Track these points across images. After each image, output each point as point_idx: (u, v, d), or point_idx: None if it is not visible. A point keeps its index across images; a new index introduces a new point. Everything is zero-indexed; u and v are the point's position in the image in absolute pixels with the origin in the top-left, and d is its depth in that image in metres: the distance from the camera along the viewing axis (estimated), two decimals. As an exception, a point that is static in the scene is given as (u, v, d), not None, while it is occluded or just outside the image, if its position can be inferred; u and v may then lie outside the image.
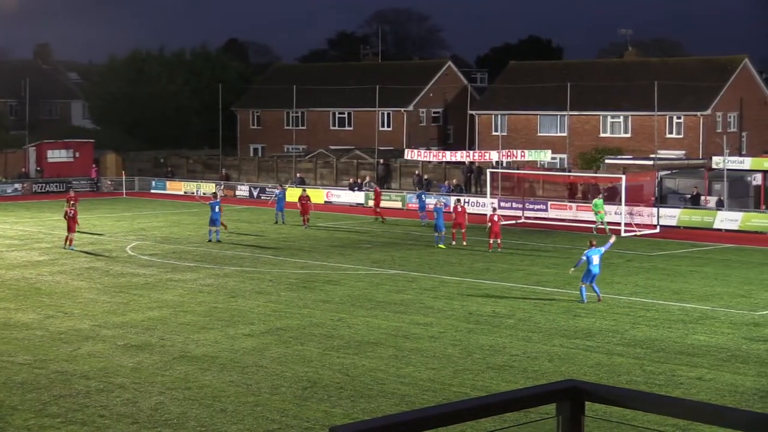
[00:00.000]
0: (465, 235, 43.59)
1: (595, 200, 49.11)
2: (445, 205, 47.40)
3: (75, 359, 23.16)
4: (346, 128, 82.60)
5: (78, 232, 43.10)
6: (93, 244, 43.35)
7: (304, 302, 30.27)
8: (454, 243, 43.18)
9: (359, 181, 66.69)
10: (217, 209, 44.64)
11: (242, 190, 69.96)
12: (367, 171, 69.02)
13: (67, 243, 41.69)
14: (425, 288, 32.82)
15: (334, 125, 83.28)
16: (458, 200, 47.86)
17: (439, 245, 42.51)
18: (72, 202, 46.71)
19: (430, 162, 66.10)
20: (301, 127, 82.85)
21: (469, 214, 55.60)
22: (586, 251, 30.30)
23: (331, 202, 63.87)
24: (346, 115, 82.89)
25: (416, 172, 65.92)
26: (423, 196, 54.74)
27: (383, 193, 63.31)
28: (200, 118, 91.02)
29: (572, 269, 31.27)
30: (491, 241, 41.84)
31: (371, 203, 60.80)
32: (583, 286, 30.06)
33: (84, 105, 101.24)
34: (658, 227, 49.64)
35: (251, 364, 22.65)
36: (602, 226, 47.17)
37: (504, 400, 5.45)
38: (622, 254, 40.81)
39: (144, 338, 25.32)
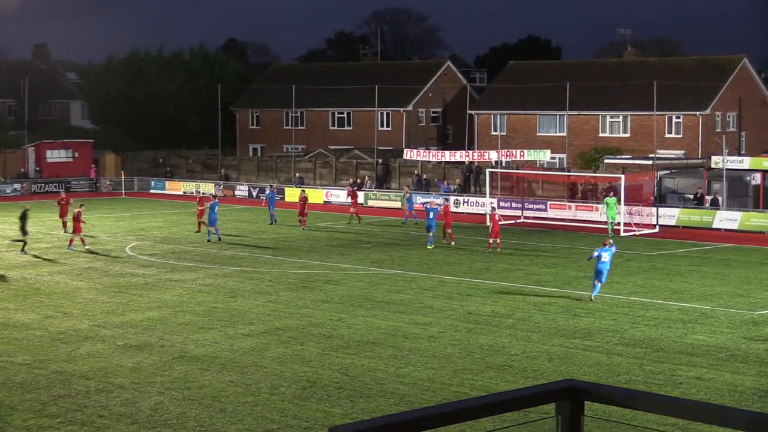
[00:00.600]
0: (452, 234, 43.62)
1: (607, 199, 48.92)
2: (439, 205, 47.16)
3: (74, 359, 23.17)
4: (345, 128, 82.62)
5: (70, 233, 43.13)
6: (92, 244, 43.30)
7: (304, 302, 30.27)
8: (453, 243, 43.20)
9: (358, 181, 66.73)
10: (216, 209, 44.89)
11: (241, 190, 70.02)
12: (367, 171, 69.08)
13: (72, 243, 41.82)
14: (424, 288, 32.82)
15: (333, 125, 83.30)
16: (446, 200, 47.85)
17: (429, 246, 42.36)
18: (64, 203, 46.81)
19: (429, 162, 66.15)
20: (300, 127, 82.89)
21: (468, 214, 55.68)
22: (598, 249, 30.54)
23: (330, 202, 63.88)
24: (345, 115, 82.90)
25: (415, 172, 65.99)
26: (413, 196, 54.72)
27: (381, 192, 63.41)
28: (199, 118, 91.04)
29: (587, 259, 31.35)
30: (491, 241, 41.85)
31: (372, 203, 60.74)
32: (598, 283, 30.25)
33: (83, 105, 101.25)
34: (657, 227, 49.66)
35: (251, 364, 22.65)
36: (607, 226, 47.26)
37: (503, 399, 5.45)
38: (622, 254, 40.81)
39: (143, 338, 25.33)
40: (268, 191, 55.15)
